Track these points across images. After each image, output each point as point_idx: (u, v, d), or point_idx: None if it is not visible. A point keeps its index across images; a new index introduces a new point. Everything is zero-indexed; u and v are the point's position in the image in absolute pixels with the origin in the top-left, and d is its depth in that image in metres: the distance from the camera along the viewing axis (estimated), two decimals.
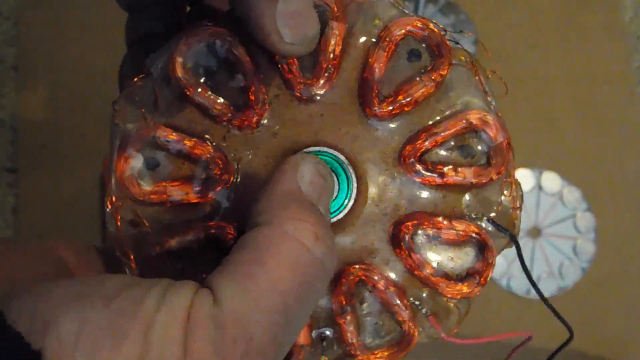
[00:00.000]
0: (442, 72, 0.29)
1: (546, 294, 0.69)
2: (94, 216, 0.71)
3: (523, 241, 0.72)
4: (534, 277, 0.71)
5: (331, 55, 0.28)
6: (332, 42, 0.28)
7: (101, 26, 0.75)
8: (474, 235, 0.29)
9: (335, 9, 0.28)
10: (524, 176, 0.73)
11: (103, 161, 0.70)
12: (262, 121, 0.29)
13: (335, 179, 0.29)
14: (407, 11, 0.29)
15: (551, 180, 0.73)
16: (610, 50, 0.77)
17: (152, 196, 0.28)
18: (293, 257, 0.22)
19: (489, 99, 0.29)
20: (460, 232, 0.29)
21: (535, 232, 0.72)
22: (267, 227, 0.23)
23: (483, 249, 0.29)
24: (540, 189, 0.73)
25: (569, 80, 0.76)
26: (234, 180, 0.29)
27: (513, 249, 0.30)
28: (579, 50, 0.77)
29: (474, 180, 0.29)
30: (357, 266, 0.29)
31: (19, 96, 0.75)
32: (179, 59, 0.28)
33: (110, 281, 0.21)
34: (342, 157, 0.29)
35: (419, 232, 0.29)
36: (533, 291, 0.70)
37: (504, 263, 0.70)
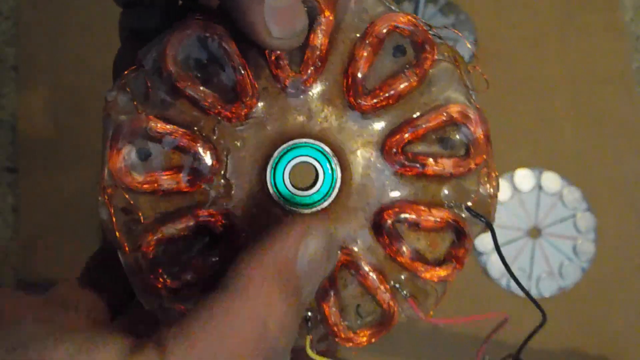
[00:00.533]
0: (425, 67, 0.30)
1: (546, 294, 0.70)
2: (94, 216, 0.71)
3: (523, 241, 0.72)
4: (534, 277, 0.71)
5: (318, 50, 0.29)
6: (320, 36, 0.29)
7: (101, 26, 0.75)
8: (451, 222, 0.30)
9: (323, 4, 0.29)
10: (524, 176, 0.73)
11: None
12: (251, 113, 0.30)
13: (322, 172, 0.30)
14: (393, 7, 0.30)
15: (551, 180, 0.73)
16: (610, 50, 0.77)
17: (144, 185, 0.29)
18: (253, 339, 0.21)
19: (470, 92, 0.30)
20: (439, 220, 0.30)
21: (535, 232, 0.72)
22: (239, 296, 0.21)
23: (460, 235, 0.30)
24: (540, 189, 0.73)
25: (569, 80, 0.76)
26: (223, 171, 0.30)
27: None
28: (579, 50, 0.76)
29: (453, 171, 0.30)
30: (340, 252, 0.30)
31: (19, 96, 0.75)
32: (170, 52, 0.28)
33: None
34: (327, 149, 0.30)
35: (400, 219, 0.30)
36: (533, 290, 0.70)
37: None
